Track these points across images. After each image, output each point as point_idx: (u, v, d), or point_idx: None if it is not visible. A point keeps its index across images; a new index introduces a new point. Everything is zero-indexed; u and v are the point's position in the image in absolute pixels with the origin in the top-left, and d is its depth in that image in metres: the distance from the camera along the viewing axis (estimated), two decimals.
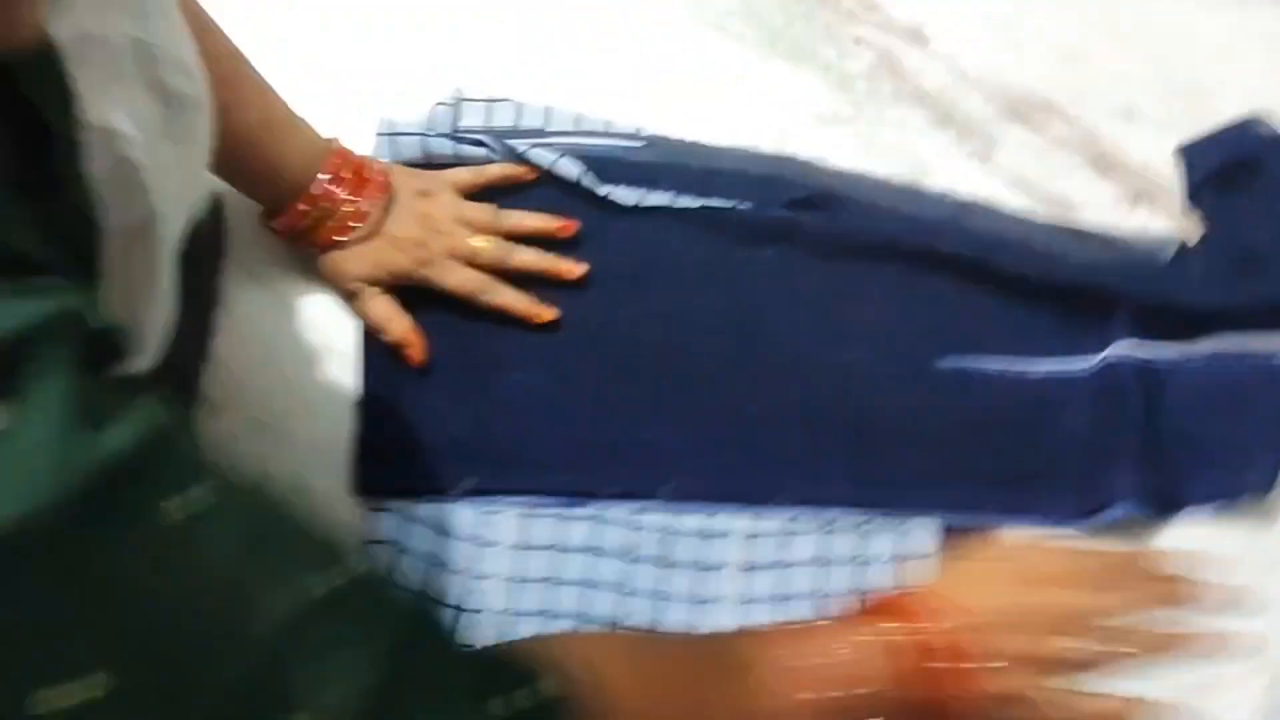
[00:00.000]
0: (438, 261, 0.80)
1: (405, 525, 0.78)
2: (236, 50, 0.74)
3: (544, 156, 0.84)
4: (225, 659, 0.37)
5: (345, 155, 0.79)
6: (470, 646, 0.48)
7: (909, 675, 0.64)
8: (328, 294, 0.83)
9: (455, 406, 0.81)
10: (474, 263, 0.81)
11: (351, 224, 0.78)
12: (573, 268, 0.83)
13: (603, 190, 0.84)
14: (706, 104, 0.89)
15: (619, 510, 0.79)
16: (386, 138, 0.85)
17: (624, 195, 0.84)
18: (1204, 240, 0.85)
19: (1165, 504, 0.79)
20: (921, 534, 0.79)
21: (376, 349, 0.82)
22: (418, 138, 0.85)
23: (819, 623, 0.70)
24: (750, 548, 0.79)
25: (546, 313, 0.82)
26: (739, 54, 0.90)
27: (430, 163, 0.85)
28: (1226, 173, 0.86)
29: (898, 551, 0.78)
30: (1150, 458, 0.79)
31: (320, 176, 0.78)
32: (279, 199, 0.79)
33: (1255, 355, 0.82)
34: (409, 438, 0.81)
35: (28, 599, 0.33)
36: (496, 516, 0.79)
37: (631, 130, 0.88)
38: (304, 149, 0.78)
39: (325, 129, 0.85)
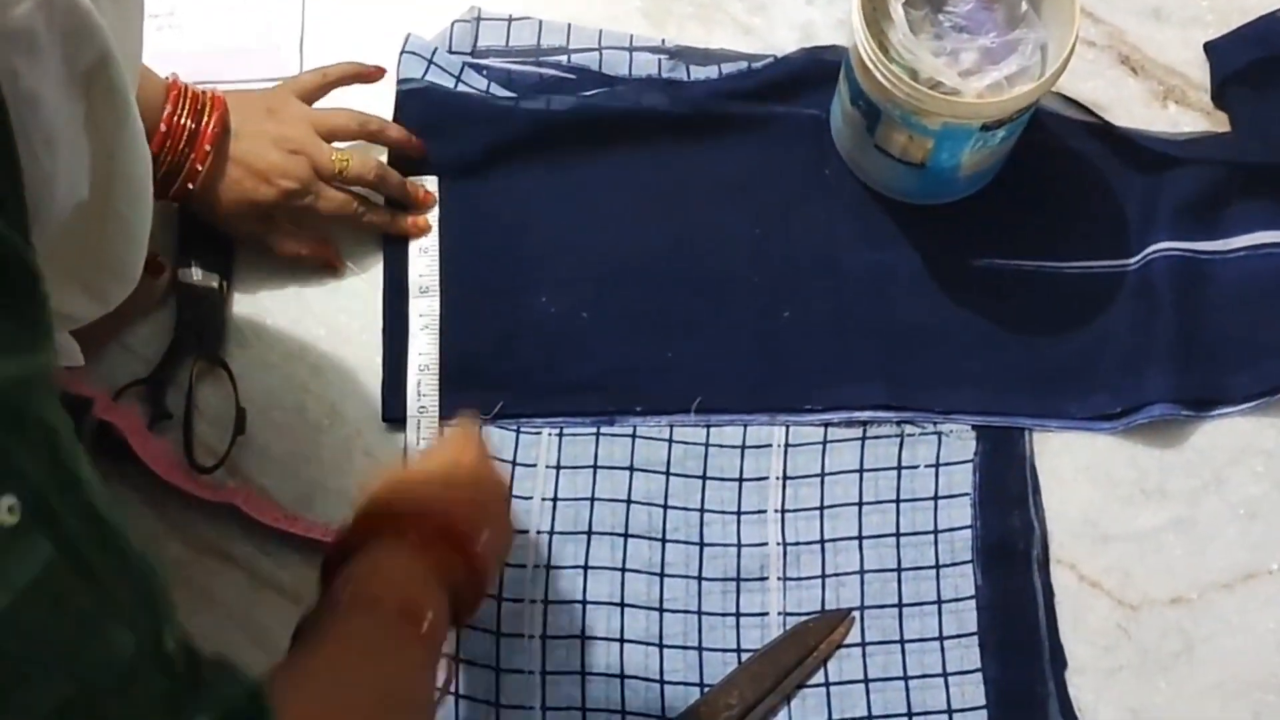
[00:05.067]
0: (308, 188, 0.78)
1: None
2: None
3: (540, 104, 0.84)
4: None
5: (180, 87, 0.76)
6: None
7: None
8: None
9: (483, 331, 0.81)
10: (341, 180, 0.79)
11: (199, 165, 0.75)
12: (431, 195, 0.82)
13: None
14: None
15: (654, 426, 0.79)
16: (412, 56, 0.84)
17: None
18: (1234, 135, 0.84)
19: (1201, 404, 0.79)
20: (958, 442, 0.79)
21: (401, 275, 0.82)
22: (443, 68, 0.84)
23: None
24: (790, 458, 0.79)
25: (424, 221, 0.82)
26: None
27: (454, 94, 0.84)
28: (1254, 68, 0.85)
29: (936, 459, 0.79)
30: (1188, 357, 0.79)
31: (166, 112, 0.75)
32: None
33: None
34: (441, 362, 0.80)
35: None
36: (532, 438, 0.79)
37: (656, 42, 0.87)
38: (150, 91, 0.74)
39: (347, 49, 0.84)
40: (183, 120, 0.75)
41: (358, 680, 0.55)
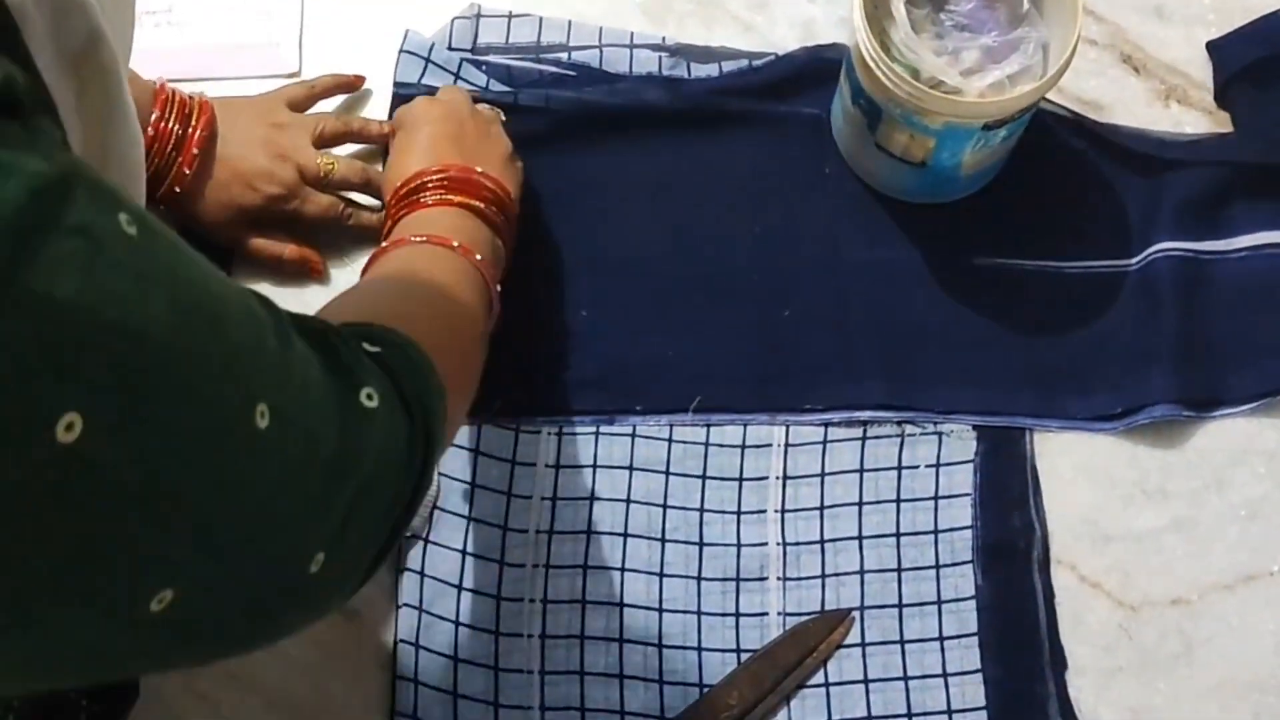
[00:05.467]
0: (294, 193, 0.79)
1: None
2: None
3: (538, 96, 0.83)
4: (196, 386, 0.37)
5: (167, 91, 0.77)
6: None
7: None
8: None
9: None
10: (327, 184, 0.80)
11: (186, 169, 0.76)
12: None
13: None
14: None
15: (653, 426, 0.79)
16: (410, 56, 0.84)
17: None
18: (1237, 134, 0.84)
19: (1203, 404, 0.79)
20: (958, 442, 0.79)
21: None
22: (441, 65, 0.84)
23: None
24: (790, 458, 0.79)
25: None
26: None
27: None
28: (1257, 68, 0.85)
29: (937, 459, 0.78)
30: (1189, 357, 0.79)
31: (154, 116, 0.75)
32: None
33: None
34: None
35: None
36: (531, 437, 0.79)
37: (656, 40, 0.86)
38: (137, 95, 0.75)
39: (346, 46, 0.84)
40: (170, 125, 0.75)
41: (389, 279, 0.64)
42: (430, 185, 0.71)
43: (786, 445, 0.79)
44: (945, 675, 0.75)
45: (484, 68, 0.85)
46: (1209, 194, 0.82)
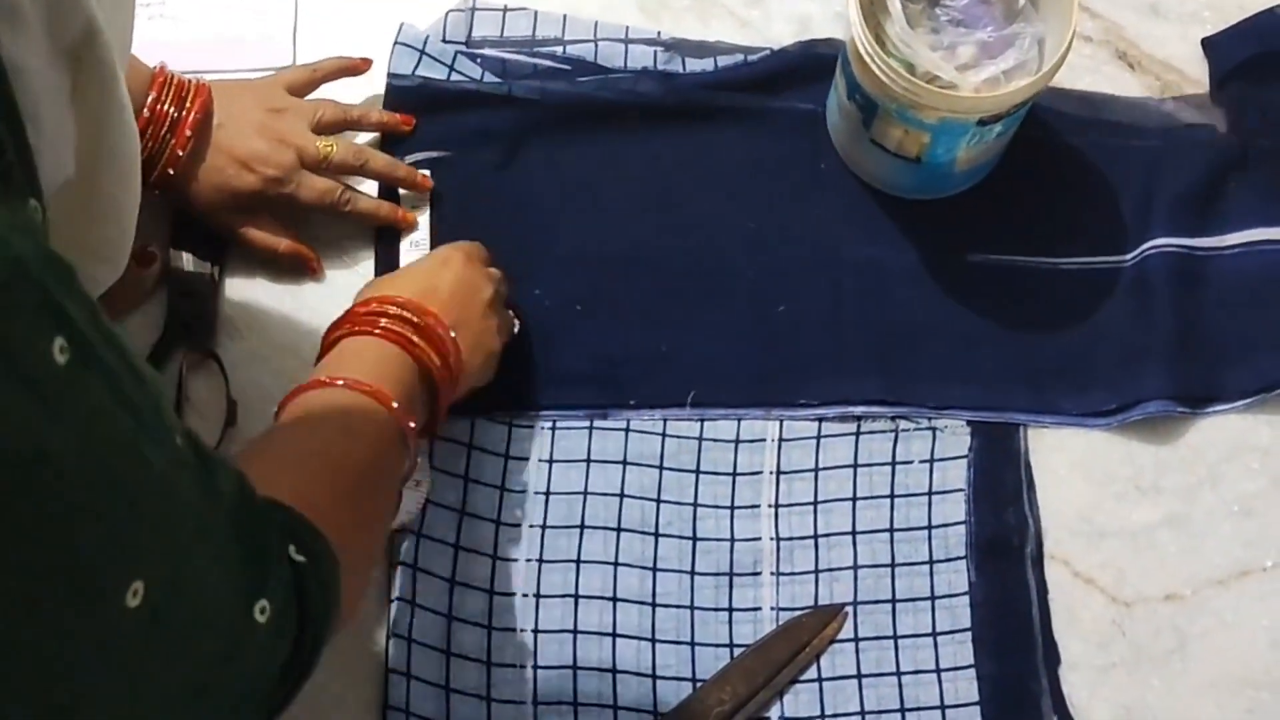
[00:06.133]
0: (290, 176, 0.78)
1: (435, 443, 0.78)
2: None
3: (532, 88, 0.83)
4: (72, 539, 0.35)
5: (166, 75, 0.76)
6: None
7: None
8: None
9: None
10: (326, 168, 0.79)
11: (179, 151, 0.75)
12: (426, 180, 0.82)
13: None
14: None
15: (647, 420, 0.79)
16: (405, 48, 0.84)
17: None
18: (1232, 131, 0.84)
19: (1197, 400, 0.79)
20: (952, 438, 0.79)
21: (395, 266, 0.81)
22: (435, 57, 0.84)
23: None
24: (783, 453, 0.78)
25: (410, 215, 0.81)
26: None
27: (447, 85, 0.84)
28: (1252, 64, 0.85)
29: (931, 454, 0.78)
30: (1184, 354, 0.79)
31: (150, 99, 0.75)
32: None
33: None
34: None
35: None
36: (524, 431, 0.79)
37: (652, 34, 0.86)
38: (135, 79, 0.74)
39: (340, 40, 0.84)
40: (166, 107, 0.75)
41: (300, 441, 0.61)
42: (392, 315, 0.68)
43: (780, 440, 0.79)
44: (938, 671, 0.74)
45: (478, 60, 0.85)
46: (1203, 191, 0.82)
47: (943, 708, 0.74)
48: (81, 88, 0.48)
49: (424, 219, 0.82)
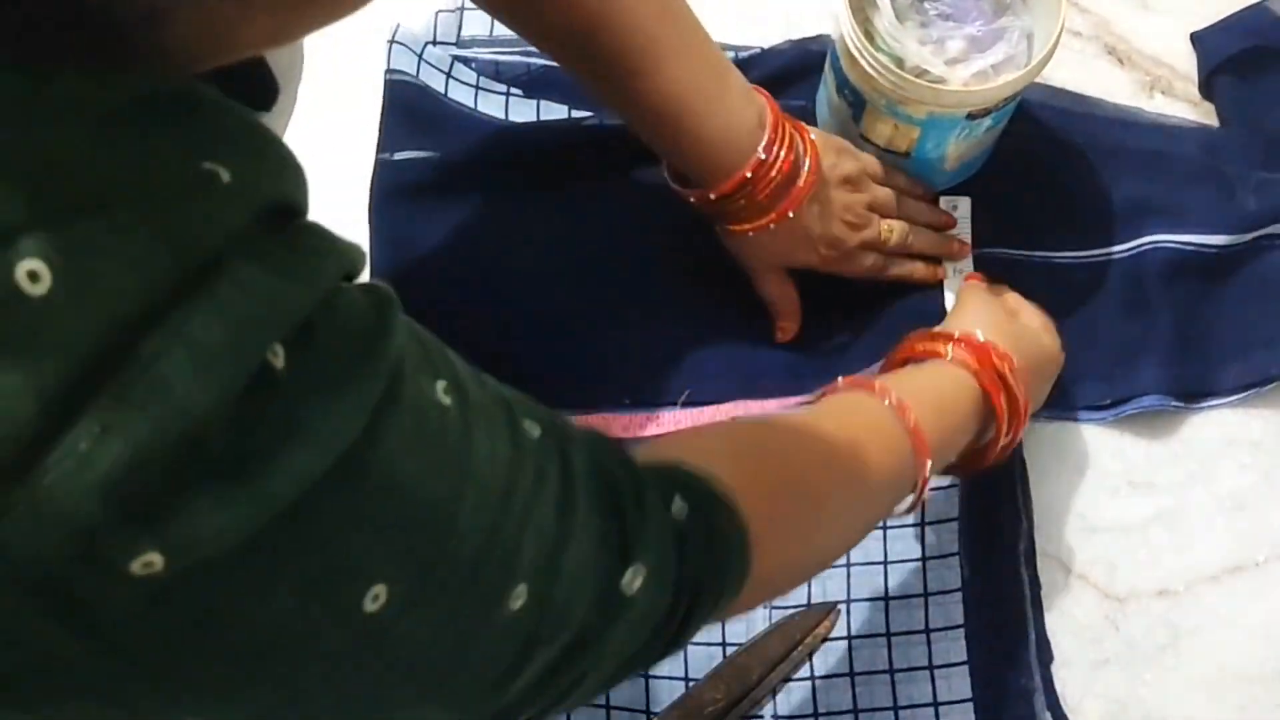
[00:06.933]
0: (846, 256, 0.76)
1: None
2: (660, 6, 0.66)
3: (529, 107, 0.83)
4: (467, 540, 0.37)
5: (776, 111, 0.71)
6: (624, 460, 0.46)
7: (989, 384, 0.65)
8: (337, 210, 0.82)
9: (464, 326, 0.80)
10: (877, 248, 0.78)
11: (771, 222, 0.72)
12: (964, 248, 0.81)
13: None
14: None
15: (637, 418, 0.79)
16: (402, 48, 0.83)
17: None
18: (1221, 126, 0.84)
19: (1192, 396, 0.79)
20: None
21: (385, 264, 0.81)
22: (434, 65, 0.83)
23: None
24: None
25: (941, 272, 0.80)
26: None
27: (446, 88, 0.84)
28: (1241, 59, 0.85)
29: None
30: (1179, 350, 0.79)
31: (760, 149, 0.69)
32: (698, 172, 0.71)
33: None
34: None
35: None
36: None
37: None
38: (733, 116, 0.69)
39: (339, 35, 0.83)
40: (780, 151, 0.70)
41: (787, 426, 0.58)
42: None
43: None
44: (931, 668, 0.74)
45: (473, 65, 0.85)
46: (1195, 186, 0.82)
47: (936, 705, 0.73)
48: None
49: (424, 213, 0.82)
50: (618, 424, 0.78)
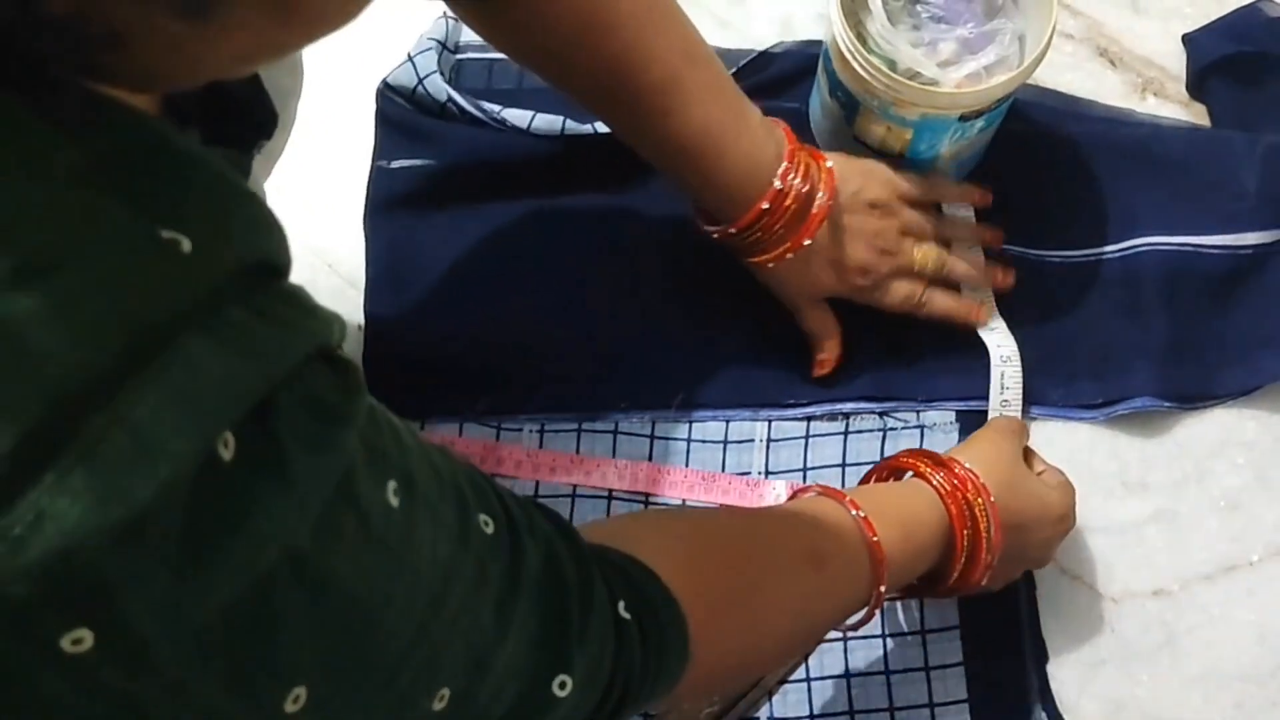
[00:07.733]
0: (879, 284, 0.75)
1: None
2: (683, 48, 0.67)
3: (521, 116, 0.83)
4: (390, 643, 0.36)
5: (794, 140, 0.72)
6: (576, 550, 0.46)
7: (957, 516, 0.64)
8: (334, 217, 0.82)
9: (464, 329, 0.81)
10: (912, 274, 0.76)
11: (788, 251, 0.71)
12: (1007, 278, 0.79)
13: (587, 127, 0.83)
14: None
15: (636, 422, 0.79)
16: (410, 68, 0.84)
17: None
18: (1213, 127, 0.84)
19: (1185, 397, 0.79)
20: (940, 435, 0.78)
21: (381, 271, 0.81)
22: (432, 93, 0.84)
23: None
24: (771, 453, 0.78)
25: (982, 313, 0.78)
26: None
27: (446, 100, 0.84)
28: (1233, 61, 0.85)
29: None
30: (1173, 351, 0.79)
31: (776, 179, 0.70)
32: (719, 207, 0.72)
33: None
34: (418, 360, 0.80)
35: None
36: (513, 434, 0.78)
37: None
38: (755, 149, 0.70)
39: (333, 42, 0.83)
40: (795, 181, 0.70)
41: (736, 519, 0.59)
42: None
43: (769, 440, 0.79)
44: (927, 668, 0.74)
45: (462, 74, 0.86)
46: (1190, 187, 0.82)
47: (931, 705, 0.73)
48: None
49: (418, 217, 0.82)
50: (627, 475, 0.78)
